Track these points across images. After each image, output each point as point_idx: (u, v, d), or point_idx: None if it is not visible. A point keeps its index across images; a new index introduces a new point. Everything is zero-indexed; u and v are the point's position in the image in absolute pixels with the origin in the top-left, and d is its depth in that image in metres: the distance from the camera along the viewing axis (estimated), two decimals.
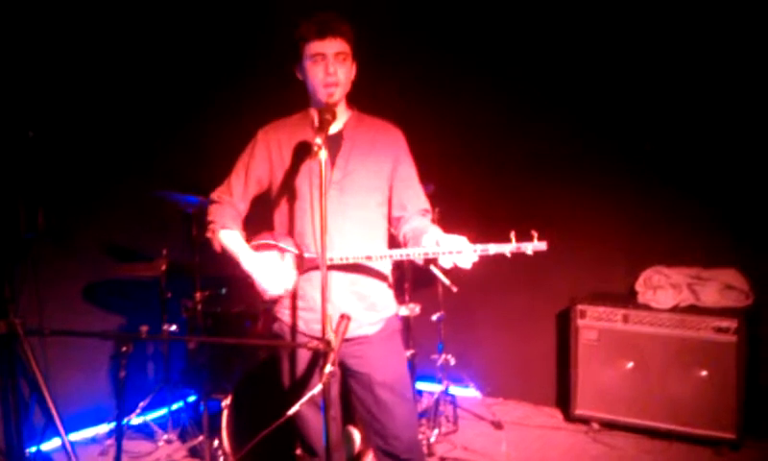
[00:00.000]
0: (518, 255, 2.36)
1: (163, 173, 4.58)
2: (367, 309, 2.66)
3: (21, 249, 3.36)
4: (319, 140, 2.28)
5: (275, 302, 2.68)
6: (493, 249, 2.35)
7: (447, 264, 2.42)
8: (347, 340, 2.57)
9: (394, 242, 2.77)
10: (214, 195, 2.78)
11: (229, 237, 2.68)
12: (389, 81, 4.67)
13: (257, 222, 2.79)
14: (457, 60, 4.80)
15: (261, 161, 2.71)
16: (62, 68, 4.18)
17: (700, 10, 4.10)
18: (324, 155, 2.28)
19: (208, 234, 2.73)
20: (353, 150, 2.65)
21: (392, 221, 2.76)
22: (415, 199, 2.73)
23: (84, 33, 4.26)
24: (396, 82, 4.81)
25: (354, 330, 2.59)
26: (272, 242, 2.67)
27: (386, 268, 2.73)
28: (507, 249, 2.35)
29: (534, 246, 2.35)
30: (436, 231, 2.52)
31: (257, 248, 2.67)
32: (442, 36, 4.83)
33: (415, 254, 2.51)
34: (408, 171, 2.73)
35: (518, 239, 2.35)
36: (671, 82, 4.25)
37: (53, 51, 4.11)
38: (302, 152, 2.62)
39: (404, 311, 3.98)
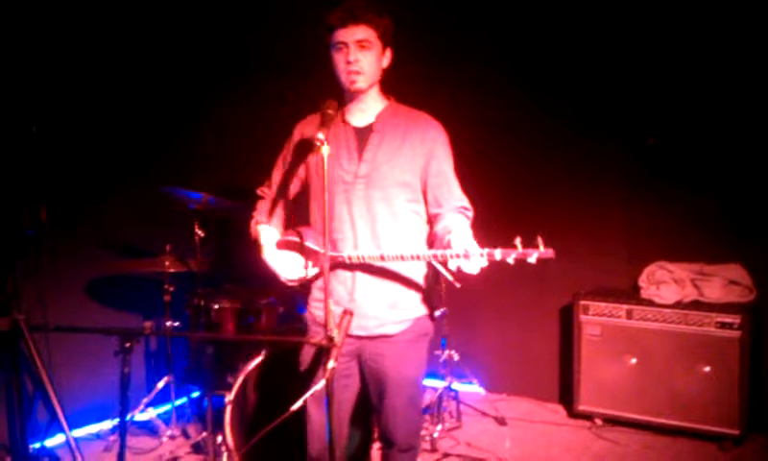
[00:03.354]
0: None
1: (167, 169, 4.57)
2: (390, 308, 2.60)
3: (24, 245, 3.36)
4: (321, 136, 2.28)
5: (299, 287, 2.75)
6: (499, 254, 2.26)
7: (453, 267, 2.34)
8: (368, 338, 2.59)
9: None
10: (258, 190, 2.88)
11: (260, 231, 2.79)
12: (389, 83, 4.65)
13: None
14: (459, 58, 4.78)
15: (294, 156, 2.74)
16: (66, 64, 4.17)
17: (700, 6, 4.09)
18: (326, 150, 2.28)
19: (251, 230, 2.85)
20: (383, 143, 2.60)
21: (430, 219, 2.67)
22: (449, 196, 2.61)
23: (88, 29, 4.25)
24: (395, 84, 4.79)
25: (376, 328, 2.59)
26: (290, 239, 2.68)
27: (415, 267, 2.64)
28: (512, 255, 2.25)
29: (539, 253, 2.24)
30: (460, 232, 2.40)
31: (279, 244, 2.72)
32: (443, 35, 4.81)
33: (424, 255, 2.44)
34: (441, 166, 2.61)
35: (524, 245, 2.24)
36: (675, 77, 4.24)
37: (56, 47, 4.11)
38: (310, 148, 2.59)
39: None
